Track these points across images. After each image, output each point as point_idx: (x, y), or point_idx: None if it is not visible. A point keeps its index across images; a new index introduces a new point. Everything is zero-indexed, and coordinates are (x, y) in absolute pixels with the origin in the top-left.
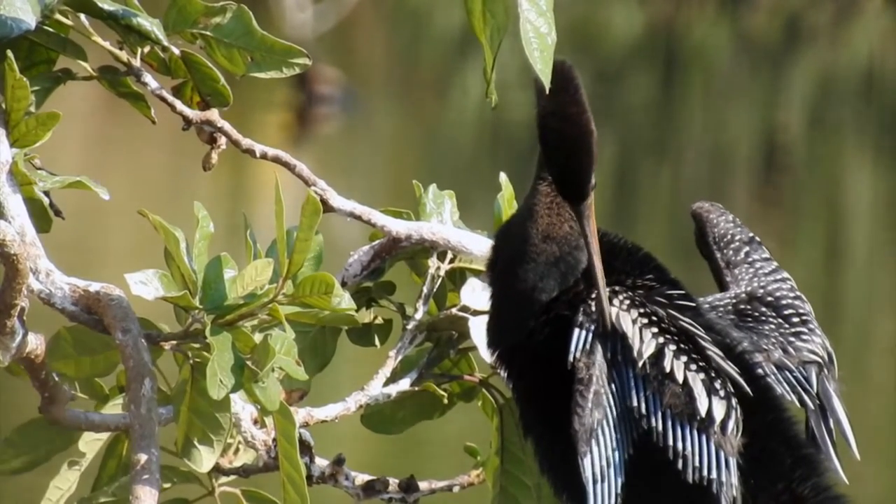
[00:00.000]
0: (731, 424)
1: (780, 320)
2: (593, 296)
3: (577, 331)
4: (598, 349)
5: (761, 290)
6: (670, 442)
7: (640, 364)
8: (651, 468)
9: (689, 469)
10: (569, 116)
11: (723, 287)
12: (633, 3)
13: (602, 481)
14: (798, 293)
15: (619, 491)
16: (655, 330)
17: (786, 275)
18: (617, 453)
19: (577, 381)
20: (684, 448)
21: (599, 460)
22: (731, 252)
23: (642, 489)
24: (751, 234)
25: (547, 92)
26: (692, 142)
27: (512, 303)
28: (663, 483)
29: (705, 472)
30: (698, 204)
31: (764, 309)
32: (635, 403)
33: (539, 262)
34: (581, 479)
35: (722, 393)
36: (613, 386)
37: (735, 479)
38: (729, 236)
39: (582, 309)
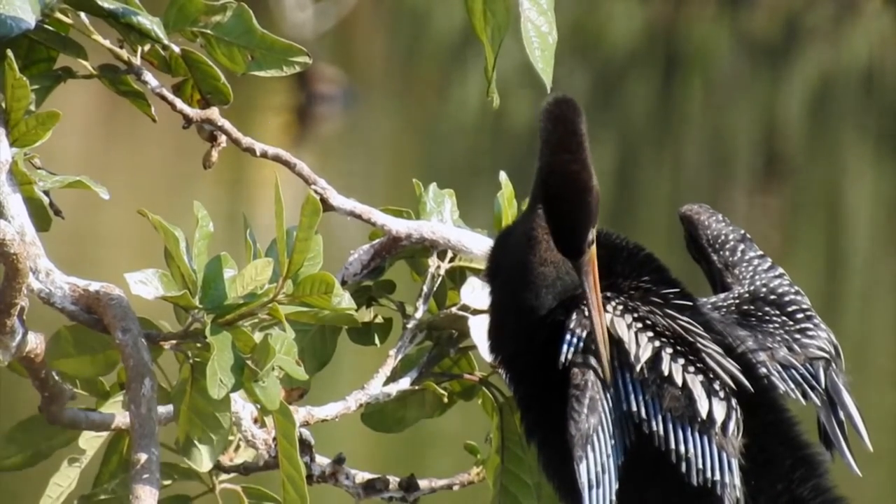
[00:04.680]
0: (731, 426)
1: (784, 318)
2: (584, 303)
3: (567, 335)
4: (593, 354)
5: (764, 289)
6: (672, 445)
7: (638, 368)
8: (653, 472)
9: (692, 472)
10: (569, 176)
11: (719, 288)
12: (633, 3)
13: (597, 487)
14: (797, 287)
15: (613, 497)
16: (651, 334)
17: (781, 270)
18: (612, 459)
19: (572, 387)
20: (687, 451)
21: (595, 466)
22: (727, 253)
23: (644, 494)
24: (742, 232)
25: (550, 118)
26: (692, 141)
27: (512, 318)
28: (666, 486)
29: (709, 475)
30: (687, 206)
31: (768, 308)
32: (634, 408)
33: (538, 285)
34: (577, 483)
35: (722, 394)
36: (609, 391)
37: (738, 481)
38: (723, 237)
39: (574, 314)
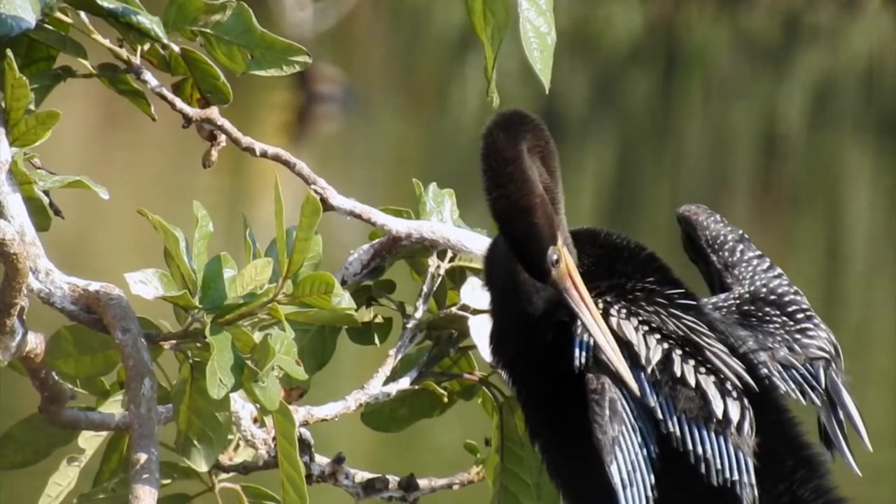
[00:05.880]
0: (746, 425)
1: (784, 318)
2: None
3: (577, 340)
4: (604, 357)
5: (764, 289)
6: (689, 446)
7: (650, 370)
8: (671, 472)
9: (711, 472)
10: (505, 210)
11: (718, 289)
12: (633, 3)
13: (631, 486)
14: (796, 287)
15: (650, 493)
16: (658, 336)
17: (779, 270)
18: (640, 456)
19: (590, 392)
20: (704, 452)
21: (625, 465)
22: (726, 253)
23: (665, 495)
24: (740, 232)
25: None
26: (691, 141)
27: (510, 324)
28: (684, 486)
29: (727, 475)
30: (684, 207)
31: (768, 308)
32: (652, 405)
33: (528, 291)
34: (597, 485)
35: (735, 394)
36: (626, 390)
37: (754, 479)
38: (722, 237)
39: (578, 318)
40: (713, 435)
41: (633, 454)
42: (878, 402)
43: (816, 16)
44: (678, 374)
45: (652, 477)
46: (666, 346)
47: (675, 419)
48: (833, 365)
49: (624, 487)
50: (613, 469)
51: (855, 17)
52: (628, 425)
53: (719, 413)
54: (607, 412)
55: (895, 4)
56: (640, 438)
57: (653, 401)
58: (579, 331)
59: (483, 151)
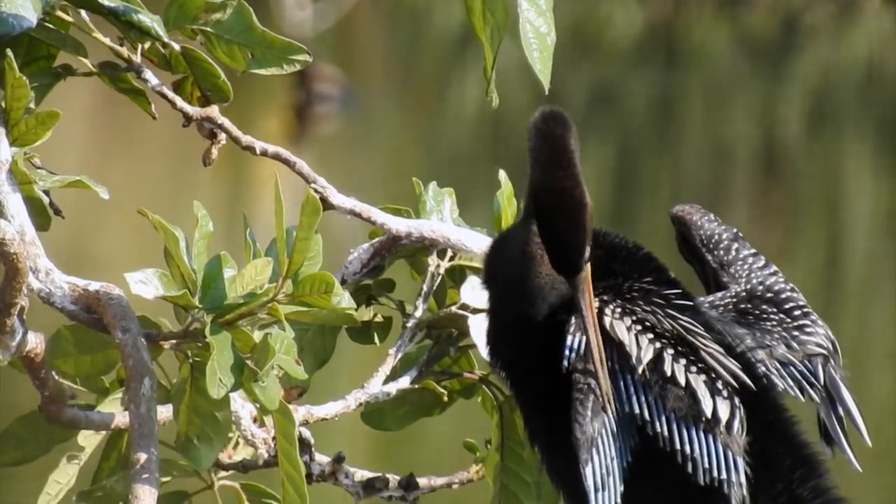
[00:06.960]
0: (736, 424)
1: (781, 315)
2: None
3: (569, 337)
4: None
5: (761, 287)
6: (677, 446)
7: (640, 370)
8: (659, 473)
9: (699, 471)
10: (563, 192)
11: (714, 288)
12: (632, 3)
13: (603, 490)
14: (791, 284)
15: (619, 499)
16: (651, 335)
17: (775, 267)
18: (616, 462)
19: (575, 391)
20: (692, 451)
21: (600, 469)
22: (721, 252)
23: (651, 495)
24: (734, 230)
25: (542, 147)
26: (691, 141)
27: (510, 326)
28: (672, 487)
29: (715, 474)
30: (678, 207)
31: (765, 306)
32: (637, 410)
33: (534, 296)
34: (583, 487)
35: (725, 393)
36: (612, 395)
37: (744, 479)
38: (716, 236)
39: (573, 318)
40: (702, 434)
41: (609, 459)
42: (879, 399)
43: (816, 16)
44: (668, 373)
45: (622, 485)
46: (658, 345)
47: (663, 418)
48: (832, 361)
49: (596, 490)
50: (588, 470)
51: (855, 17)
52: (609, 429)
53: (708, 412)
54: (589, 412)
55: (895, 4)
56: (618, 444)
57: (637, 404)
58: (571, 330)
59: (544, 132)
